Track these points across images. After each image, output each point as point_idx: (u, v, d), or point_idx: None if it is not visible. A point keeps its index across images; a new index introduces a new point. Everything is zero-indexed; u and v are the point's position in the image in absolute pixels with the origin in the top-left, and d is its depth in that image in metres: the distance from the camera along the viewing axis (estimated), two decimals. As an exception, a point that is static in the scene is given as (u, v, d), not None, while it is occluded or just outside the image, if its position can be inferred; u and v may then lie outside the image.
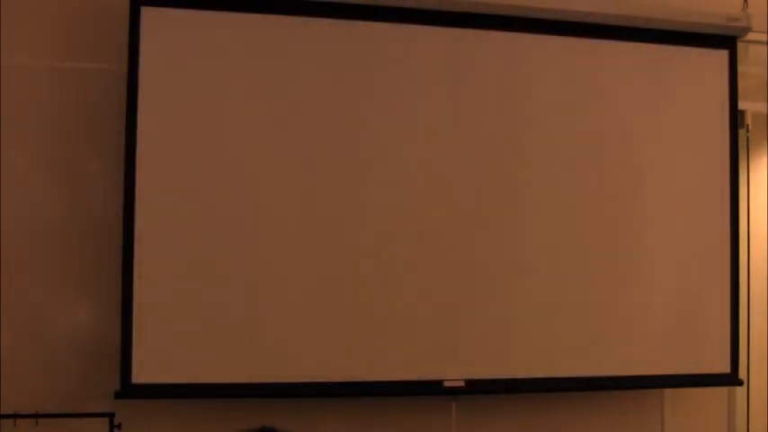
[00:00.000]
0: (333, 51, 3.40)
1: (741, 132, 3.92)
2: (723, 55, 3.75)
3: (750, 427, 4.05)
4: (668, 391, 3.86)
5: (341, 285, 3.38)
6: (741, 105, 3.83)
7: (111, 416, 3.23)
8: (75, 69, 3.39)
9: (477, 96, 3.52)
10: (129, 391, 3.19)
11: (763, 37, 3.82)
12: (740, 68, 3.78)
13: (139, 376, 3.19)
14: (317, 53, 3.38)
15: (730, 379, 3.73)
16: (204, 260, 3.27)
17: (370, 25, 3.44)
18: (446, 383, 3.43)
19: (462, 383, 3.44)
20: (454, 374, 3.44)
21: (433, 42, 3.48)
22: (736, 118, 3.76)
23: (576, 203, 3.60)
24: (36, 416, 3.18)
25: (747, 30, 3.72)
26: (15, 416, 3.17)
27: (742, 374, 3.81)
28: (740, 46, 3.77)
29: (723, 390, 3.95)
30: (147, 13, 3.25)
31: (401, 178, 3.45)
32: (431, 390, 3.44)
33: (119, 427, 3.23)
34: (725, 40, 3.74)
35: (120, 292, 3.21)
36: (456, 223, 3.48)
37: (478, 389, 3.48)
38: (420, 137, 3.47)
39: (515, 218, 3.54)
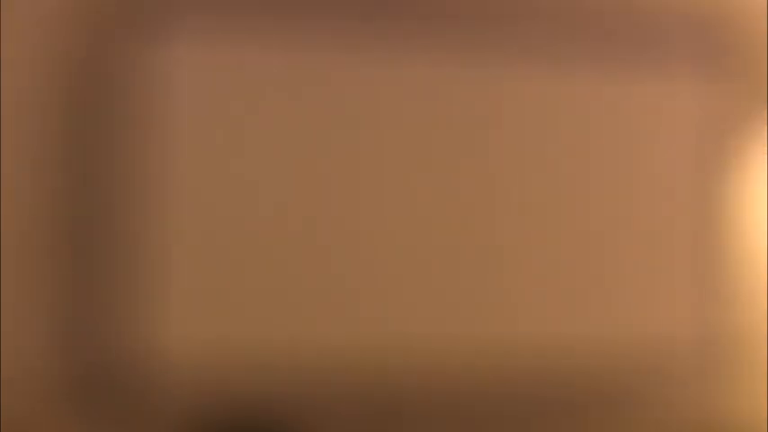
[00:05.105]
0: (335, 55, 3.43)
1: (741, 132, 3.94)
2: (723, 55, 3.77)
3: (749, 427, 4.06)
4: (669, 391, 3.88)
5: (340, 285, 3.39)
6: (741, 105, 3.85)
7: (110, 416, 3.24)
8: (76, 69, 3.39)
9: (477, 97, 3.54)
10: (130, 391, 3.20)
11: (763, 37, 3.82)
12: (740, 68, 3.79)
13: (140, 376, 3.20)
14: (318, 55, 3.40)
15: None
16: (204, 260, 3.27)
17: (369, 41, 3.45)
18: (446, 383, 3.44)
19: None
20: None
21: (414, 68, 3.50)
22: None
23: (574, 203, 3.61)
24: (36, 416, 3.18)
25: (748, 29, 3.73)
26: (15, 416, 3.17)
27: (742, 374, 3.84)
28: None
29: (723, 390, 3.97)
30: (148, 13, 3.26)
31: (400, 177, 3.46)
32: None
33: (119, 427, 3.24)
34: (725, 40, 3.76)
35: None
36: (453, 222, 3.49)
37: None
38: (420, 138, 3.48)
39: (512, 217, 3.55)
